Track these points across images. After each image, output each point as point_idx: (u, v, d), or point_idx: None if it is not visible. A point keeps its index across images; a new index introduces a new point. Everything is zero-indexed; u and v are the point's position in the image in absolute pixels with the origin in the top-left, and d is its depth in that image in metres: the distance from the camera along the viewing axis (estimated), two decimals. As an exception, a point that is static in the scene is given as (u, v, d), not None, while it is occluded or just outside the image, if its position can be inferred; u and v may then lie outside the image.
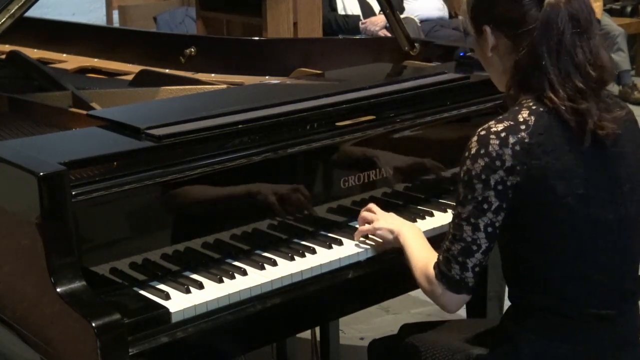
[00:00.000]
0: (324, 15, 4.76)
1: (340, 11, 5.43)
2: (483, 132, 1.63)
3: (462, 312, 3.23)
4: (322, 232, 2.01)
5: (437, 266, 1.71)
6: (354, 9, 5.45)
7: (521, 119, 1.62)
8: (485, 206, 1.62)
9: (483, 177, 1.61)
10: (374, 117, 2.12)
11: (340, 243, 1.96)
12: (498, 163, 1.60)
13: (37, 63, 2.87)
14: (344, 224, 2.05)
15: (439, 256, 1.71)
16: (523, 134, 1.60)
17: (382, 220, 1.95)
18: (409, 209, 2.16)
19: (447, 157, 2.24)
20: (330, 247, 1.94)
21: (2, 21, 2.18)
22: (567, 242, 1.65)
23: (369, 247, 1.96)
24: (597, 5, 6.86)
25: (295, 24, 4.32)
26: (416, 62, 2.73)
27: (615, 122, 1.65)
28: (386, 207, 2.12)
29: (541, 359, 1.69)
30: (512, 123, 1.62)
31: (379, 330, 1.75)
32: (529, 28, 1.64)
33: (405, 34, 2.75)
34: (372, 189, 2.11)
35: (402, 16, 4.30)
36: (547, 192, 1.62)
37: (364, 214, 2.00)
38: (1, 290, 1.77)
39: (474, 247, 1.65)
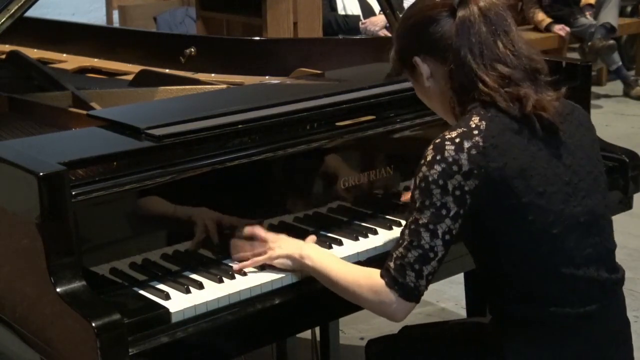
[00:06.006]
0: (324, 15, 4.76)
1: (340, 11, 5.43)
2: (438, 140, 1.64)
3: (462, 312, 3.24)
4: (322, 232, 2.01)
5: (387, 274, 1.65)
6: (354, 9, 5.45)
7: (473, 125, 1.64)
8: (444, 212, 1.61)
9: (440, 182, 1.60)
10: (374, 117, 2.13)
11: (340, 243, 1.96)
12: (455, 168, 1.60)
13: (37, 63, 2.88)
14: (343, 223, 2.05)
15: (388, 264, 1.66)
16: (477, 138, 1.62)
17: (277, 248, 1.81)
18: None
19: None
20: (330, 247, 1.93)
21: (2, 21, 2.17)
22: (539, 243, 1.64)
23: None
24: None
25: (295, 24, 4.32)
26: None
27: (558, 99, 1.68)
28: (386, 207, 2.12)
29: None
30: (464, 129, 1.64)
31: (379, 330, 1.74)
32: (452, 40, 1.69)
33: (405, 34, 2.75)
34: (372, 189, 2.10)
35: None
36: (508, 193, 1.61)
37: (254, 245, 1.84)
38: (1, 290, 1.77)
39: (431, 255, 1.62)
